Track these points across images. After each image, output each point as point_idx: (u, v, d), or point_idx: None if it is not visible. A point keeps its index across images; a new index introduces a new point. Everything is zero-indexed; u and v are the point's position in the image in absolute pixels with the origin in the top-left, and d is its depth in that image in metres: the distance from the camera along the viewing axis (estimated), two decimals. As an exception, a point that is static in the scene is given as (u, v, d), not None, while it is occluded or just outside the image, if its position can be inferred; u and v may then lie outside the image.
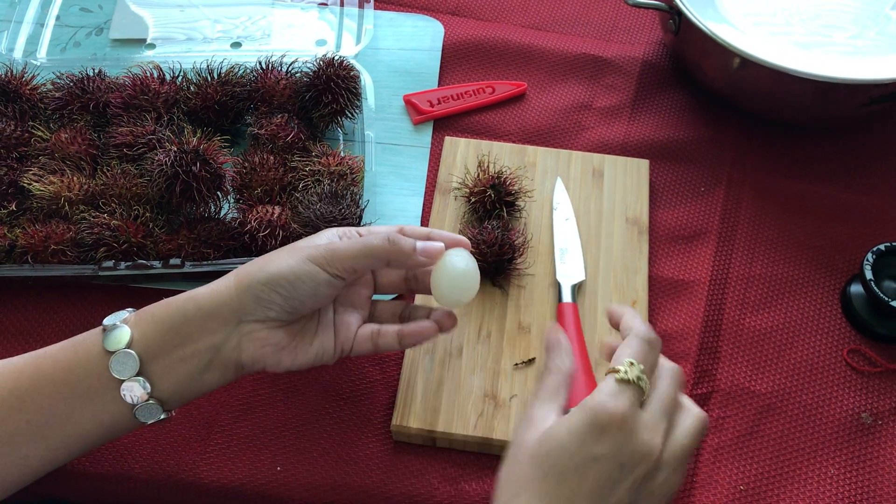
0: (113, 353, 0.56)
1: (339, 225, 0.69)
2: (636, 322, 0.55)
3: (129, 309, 0.59)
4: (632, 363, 0.51)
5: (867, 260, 0.72)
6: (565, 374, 0.54)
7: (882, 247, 0.73)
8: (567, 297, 0.73)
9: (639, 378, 0.51)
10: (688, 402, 0.54)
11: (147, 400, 0.56)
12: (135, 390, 0.56)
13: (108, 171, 0.74)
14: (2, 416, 0.56)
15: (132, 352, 0.56)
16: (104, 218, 0.70)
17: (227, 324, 0.57)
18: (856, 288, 0.75)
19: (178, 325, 0.57)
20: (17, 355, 0.58)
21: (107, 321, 0.57)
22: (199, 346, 0.57)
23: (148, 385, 0.56)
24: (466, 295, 0.62)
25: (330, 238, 0.62)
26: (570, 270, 0.75)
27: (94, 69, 0.81)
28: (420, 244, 0.60)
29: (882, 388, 0.71)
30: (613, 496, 0.49)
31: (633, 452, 0.49)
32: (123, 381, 0.56)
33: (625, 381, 0.50)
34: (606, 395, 0.50)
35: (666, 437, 0.51)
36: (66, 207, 0.72)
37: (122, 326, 0.57)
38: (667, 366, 0.54)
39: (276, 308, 0.57)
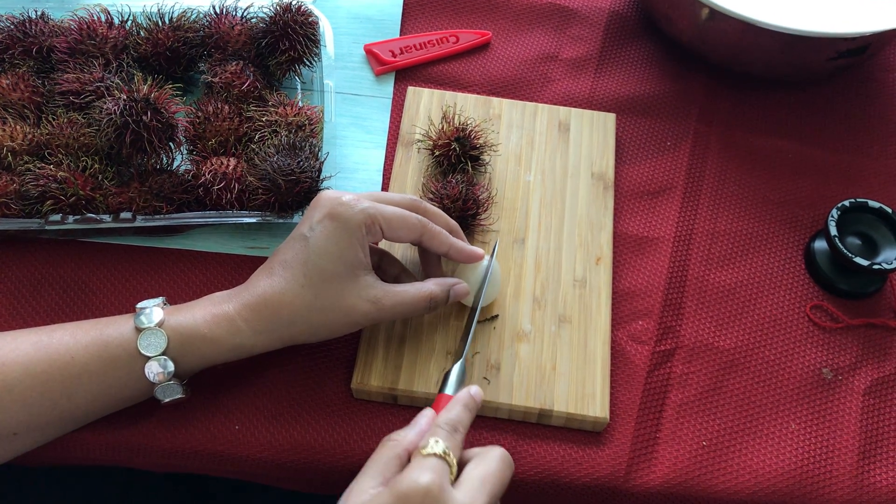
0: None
1: (298, 179, 0.66)
2: (452, 405, 0.56)
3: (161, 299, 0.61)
4: (437, 441, 0.52)
5: (832, 216, 0.72)
6: (402, 448, 0.53)
7: (847, 203, 0.73)
8: (451, 387, 0.60)
9: (444, 453, 0.51)
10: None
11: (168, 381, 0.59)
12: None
13: (53, 119, 0.71)
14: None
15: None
16: (50, 169, 0.67)
17: None
18: (820, 244, 0.75)
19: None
20: None
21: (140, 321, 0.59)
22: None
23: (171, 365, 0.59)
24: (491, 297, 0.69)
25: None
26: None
27: (36, 11, 0.77)
28: (452, 292, 0.64)
29: (843, 344, 0.72)
30: None
31: None
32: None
33: (430, 455, 0.51)
34: (411, 469, 0.50)
35: None
36: (10, 158, 0.68)
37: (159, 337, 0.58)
38: (495, 452, 0.53)
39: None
